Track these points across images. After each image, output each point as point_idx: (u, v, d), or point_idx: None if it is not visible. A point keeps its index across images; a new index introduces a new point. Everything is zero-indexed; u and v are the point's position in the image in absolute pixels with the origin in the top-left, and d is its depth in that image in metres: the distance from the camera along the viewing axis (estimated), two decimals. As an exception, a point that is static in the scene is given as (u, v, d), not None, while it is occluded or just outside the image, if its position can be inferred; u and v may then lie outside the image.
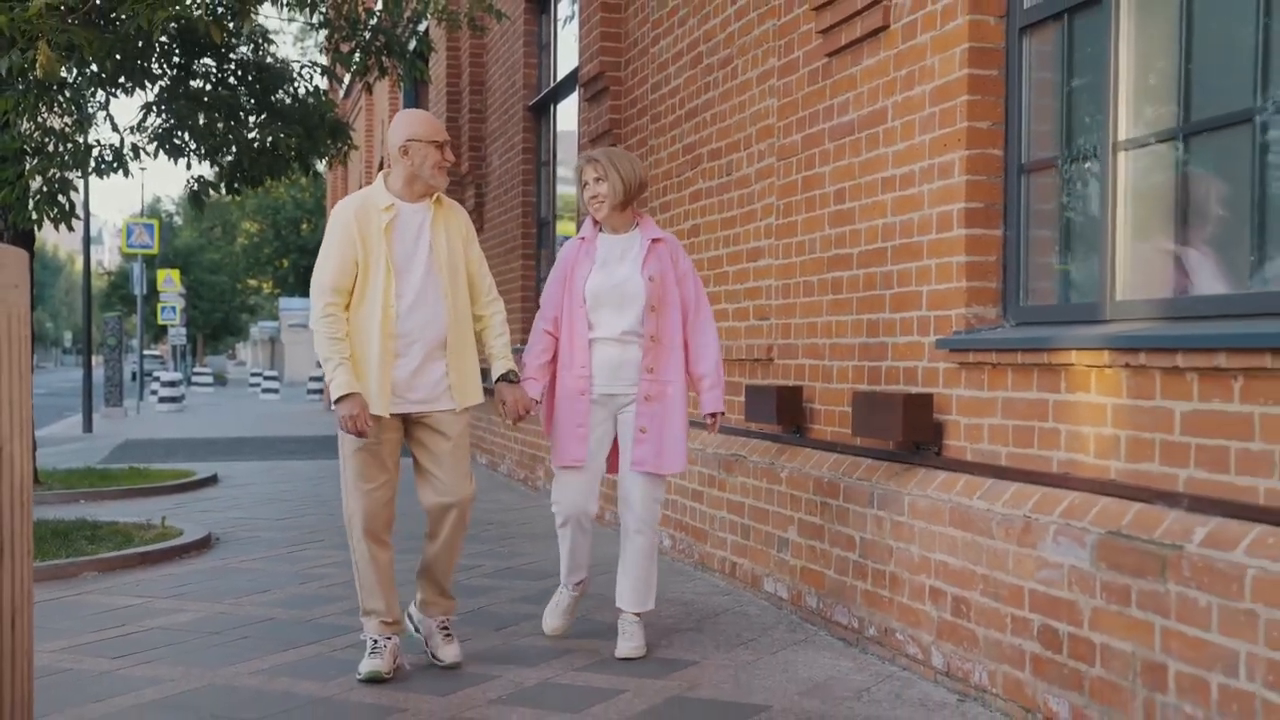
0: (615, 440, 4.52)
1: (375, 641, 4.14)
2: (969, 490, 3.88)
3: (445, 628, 4.31)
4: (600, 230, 4.52)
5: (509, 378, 4.31)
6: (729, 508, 5.68)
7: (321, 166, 10.19)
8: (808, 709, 3.73)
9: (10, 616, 2.61)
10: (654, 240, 4.45)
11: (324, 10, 8.84)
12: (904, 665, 4.18)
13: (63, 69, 5.84)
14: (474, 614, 5.07)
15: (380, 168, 21.07)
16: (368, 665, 4.08)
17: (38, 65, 5.32)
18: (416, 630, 4.41)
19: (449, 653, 4.25)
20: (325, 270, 4.05)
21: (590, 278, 4.40)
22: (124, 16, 6.03)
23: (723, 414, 4.54)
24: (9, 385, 2.62)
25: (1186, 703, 2.93)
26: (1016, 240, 4.01)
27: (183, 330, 34.56)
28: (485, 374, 4.37)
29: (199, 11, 5.81)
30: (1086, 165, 3.75)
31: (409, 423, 4.15)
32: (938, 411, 4.15)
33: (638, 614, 4.46)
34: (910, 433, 4.15)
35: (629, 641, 4.39)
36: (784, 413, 5.13)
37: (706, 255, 6.18)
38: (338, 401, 3.97)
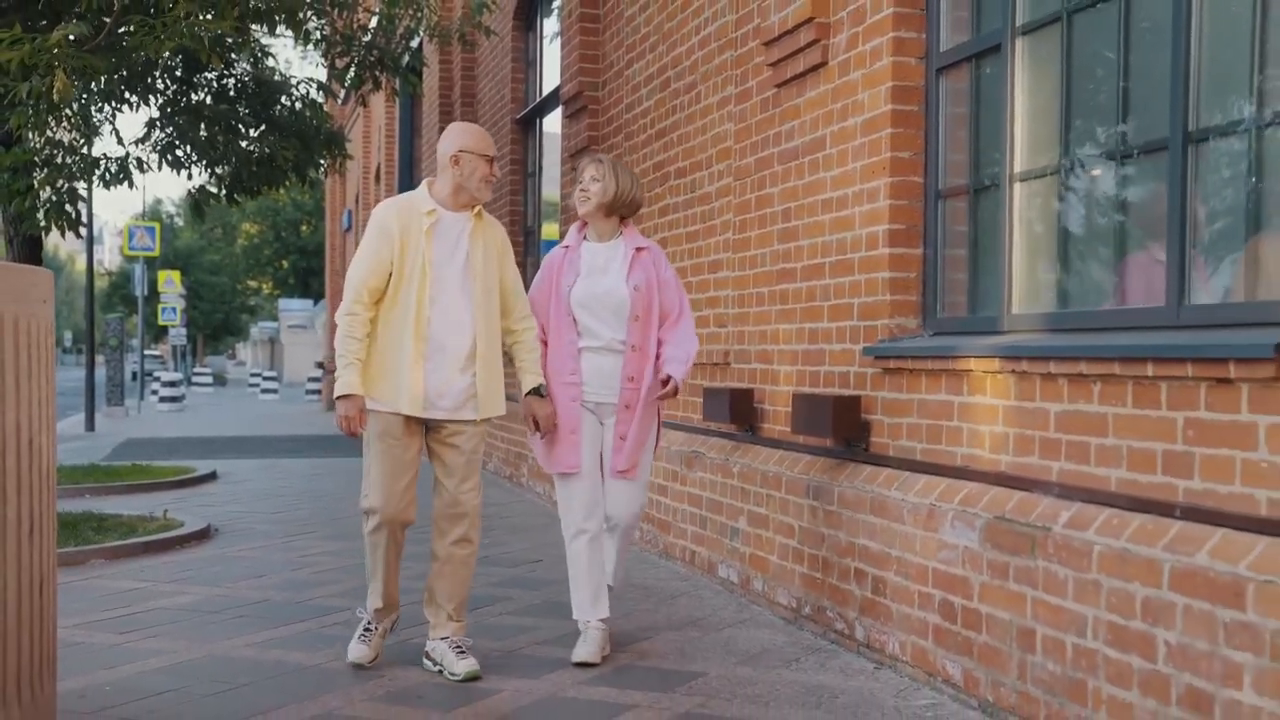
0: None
1: (367, 626, 4.36)
2: (888, 482, 4.34)
3: (459, 646, 4.22)
4: (585, 239, 4.54)
5: (539, 391, 4.41)
6: (689, 500, 6.14)
7: (320, 175, 10.60)
8: (739, 675, 4.20)
9: (40, 583, 3.07)
10: (638, 249, 4.49)
11: (321, 28, 9.27)
12: (833, 640, 4.64)
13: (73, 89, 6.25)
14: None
15: (378, 173, 21.21)
16: (355, 652, 4.32)
17: (54, 91, 5.74)
18: (435, 665, 4.25)
19: (462, 666, 4.14)
20: (358, 268, 4.13)
21: (575, 287, 4.43)
22: (128, 43, 6.45)
23: (675, 387, 4.35)
24: (38, 387, 3.09)
25: (1049, 661, 3.39)
26: (934, 258, 4.47)
27: (183, 331, 34.97)
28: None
29: (201, 32, 6.20)
30: (990, 192, 4.21)
31: (429, 429, 4.26)
32: (865, 412, 4.61)
33: (610, 585, 4.85)
34: (841, 431, 4.61)
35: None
36: (737, 413, 5.60)
37: (674, 266, 6.63)
38: (339, 399, 4.08)
